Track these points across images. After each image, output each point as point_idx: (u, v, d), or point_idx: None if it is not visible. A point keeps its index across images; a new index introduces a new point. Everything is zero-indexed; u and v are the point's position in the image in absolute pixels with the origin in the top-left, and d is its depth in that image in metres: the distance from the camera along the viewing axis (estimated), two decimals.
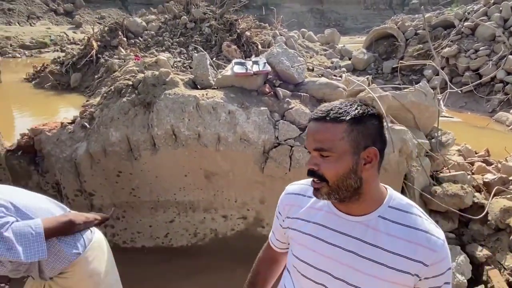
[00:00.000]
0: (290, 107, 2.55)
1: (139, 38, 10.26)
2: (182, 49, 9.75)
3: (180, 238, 3.00)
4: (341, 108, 0.82)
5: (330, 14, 26.40)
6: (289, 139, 2.48)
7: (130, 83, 2.61)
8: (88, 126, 2.62)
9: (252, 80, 2.65)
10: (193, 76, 2.87)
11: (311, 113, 0.93)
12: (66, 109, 8.92)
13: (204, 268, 2.75)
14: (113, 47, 9.85)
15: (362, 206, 0.88)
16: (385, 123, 2.46)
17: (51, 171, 2.93)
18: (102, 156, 2.64)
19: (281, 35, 9.92)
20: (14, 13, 19.33)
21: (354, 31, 23.52)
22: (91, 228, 1.86)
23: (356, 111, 0.82)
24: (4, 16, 19.07)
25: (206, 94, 2.53)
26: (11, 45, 16.36)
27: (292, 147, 2.47)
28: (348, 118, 0.81)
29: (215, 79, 2.84)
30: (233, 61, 2.80)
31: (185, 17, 10.62)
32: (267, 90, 2.62)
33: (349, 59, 9.80)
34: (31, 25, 18.85)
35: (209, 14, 10.77)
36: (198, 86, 2.82)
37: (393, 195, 0.91)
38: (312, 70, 4.56)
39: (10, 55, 15.58)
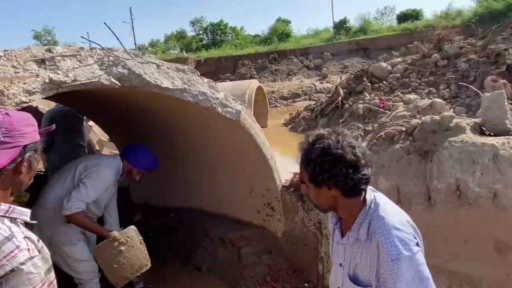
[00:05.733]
0: None
1: (384, 82, 10.30)
2: (431, 89, 8.95)
3: None
4: None
5: None
6: None
7: (403, 129, 2.43)
8: None
9: None
10: (479, 119, 2.36)
11: None
12: None
13: None
14: (358, 92, 10.35)
15: None
16: None
17: (314, 210, 3.13)
18: None
19: None
20: (278, 72, 24.42)
21: None
22: None
23: None
24: (272, 76, 24.38)
25: (509, 142, 1.97)
26: (274, 97, 20.54)
27: None
28: None
29: None
30: None
31: (436, 55, 9.80)
32: None
33: None
34: (289, 81, 23.12)
35: (467, 48, 9.45)
36: (487, 132, 2.28)
37: None
38: None
39: (273, 105, 19.51)
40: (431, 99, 8.31)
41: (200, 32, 38.23)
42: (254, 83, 11.58)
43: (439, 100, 2.64)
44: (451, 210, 2.14)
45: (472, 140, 2.07)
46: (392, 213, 1.24)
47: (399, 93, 9.06)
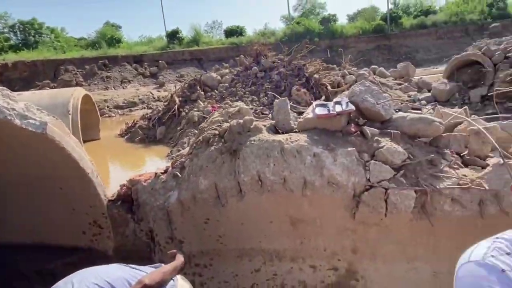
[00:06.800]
0: (380, 146, 2.38)
1: (215, 90, 11.08)
2: (253, 97, 10.22)
3: None
4: None
5: (399, 48, 25.65)
6: (383, 180, 2.29)
7: (217, 132, 2.73)
8: (179, 175, 2.76)
9: (335, 121, 2.58)
10: (274, 121, 2.90)
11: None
12: (152, 159, 9.80)
13: None
14: (193, 100, 10.75)
15: None
16: (500, 159, 2.13)
17: (145, 219, 3.10)
18: (192, 204, 2.72)
19: (351, 74, 9.84)
20: (110, 79, 22.64)
21: (428, 63, 22.37)
22: (173, 278, 1.88)
23: None
24: (103, 83, 22.39)
25: (290, 138, 2.51)
26: (107, 107, 18.93)
27: (387, 189, 2.26)
28: None
29: (296, 123, 2.83)
30: (314, 103, 2.78)
31: (255, 67, 11.26)
32: (352, 129, 2.51)
33: (428, 91, 9.18)
34: (123, 88, 21.76)
35: (278, 63, 11.27)
36: (280, 131, 2.83)
37: None
38: None
39: (107, 115, 17.97)
40: (254, 106, 9.44)
41: (5, 30, 31.28)
42: (79, 91, 10.37)
43: (245, 106, 3.09)
44: (257, 198, 2.54)
45: (266, 138, 2.52)
46: None
47: (229, 101, 9.95)
